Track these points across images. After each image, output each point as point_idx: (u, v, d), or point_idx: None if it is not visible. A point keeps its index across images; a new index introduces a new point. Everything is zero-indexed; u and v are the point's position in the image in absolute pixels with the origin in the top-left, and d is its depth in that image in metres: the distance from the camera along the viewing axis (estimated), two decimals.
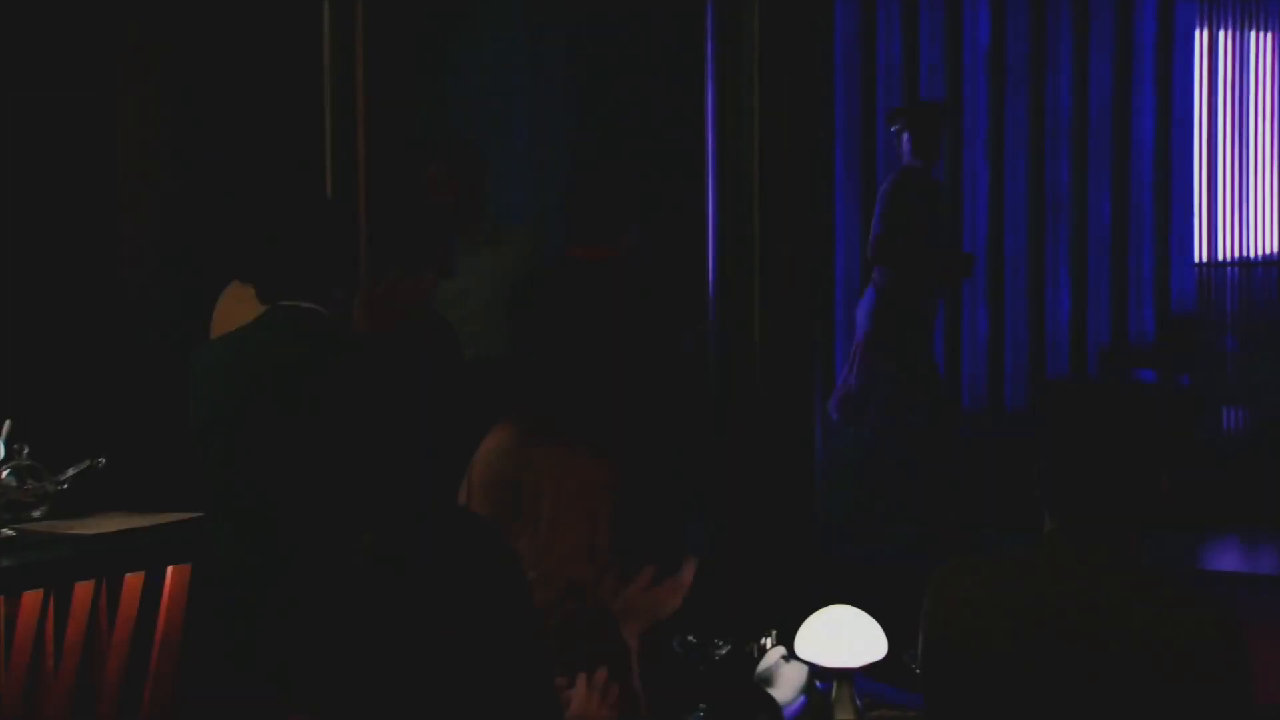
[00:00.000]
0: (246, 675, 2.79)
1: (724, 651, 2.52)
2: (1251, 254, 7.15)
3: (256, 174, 4.46)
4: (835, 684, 2.44)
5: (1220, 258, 7.07)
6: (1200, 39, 7.09)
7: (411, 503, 2.75)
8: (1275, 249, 7.02)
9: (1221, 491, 6.83)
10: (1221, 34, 7.04)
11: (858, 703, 2.42)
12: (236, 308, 3.61)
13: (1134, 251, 8.38)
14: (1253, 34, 7.03)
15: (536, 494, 2.26)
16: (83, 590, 3.05)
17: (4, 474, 3.31)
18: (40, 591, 2.99)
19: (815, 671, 2.46)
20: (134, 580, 3.15)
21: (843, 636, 2.45)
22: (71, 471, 3.39)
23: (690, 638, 2.54)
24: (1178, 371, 8.07)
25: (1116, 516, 2.05)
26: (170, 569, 3.18)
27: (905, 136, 6.24)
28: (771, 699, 2.37)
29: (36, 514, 3.31)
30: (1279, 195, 6.94)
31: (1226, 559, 6.37)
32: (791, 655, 2.46)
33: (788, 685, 2.44)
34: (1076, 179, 8.38)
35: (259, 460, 2.78)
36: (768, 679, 2.42)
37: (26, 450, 3.35)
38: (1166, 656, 1.99)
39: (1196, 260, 7.77)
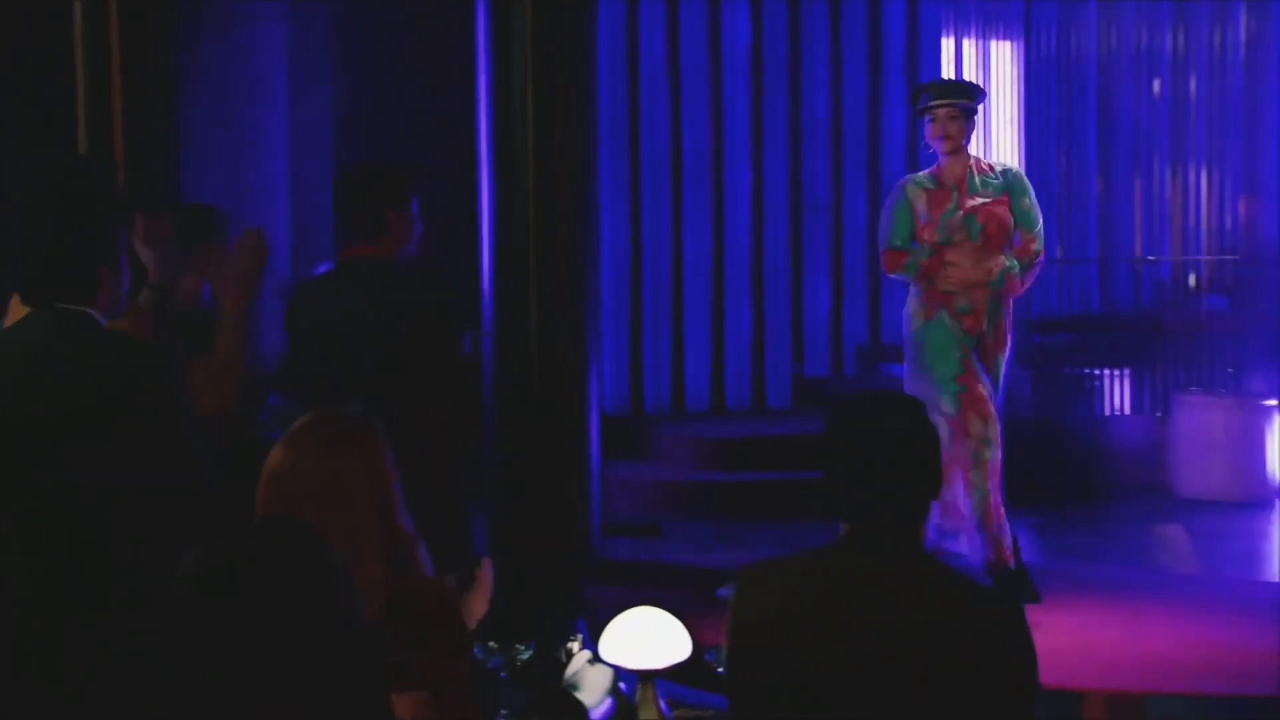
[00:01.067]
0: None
1: (525, 656, 2.50)
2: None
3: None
4: (639, 685, 2.45)
5: None
6: (946, 46, 7.40)
7: (202, 515, 2.67)
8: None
9: None
10: (966, 41, 7.36)
11: (662, 703, 2.43)
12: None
13: None
14: (993, 42, 7.37)
15: (312, 500, 2.20)
16: None
17: None
18: None
19: (620, 674, 2.46)
20: None
21: (646, 638, 2.45)
22: None
23: (491, 643, 2.51)
24: None
25: (900, 517, 2.13)
26: None
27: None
28: (578, 703, 2.35)
29: None
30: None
31: None
32: (597, 658, 2.45)
33: (594, 688, 2.43)
34: (833, 178, 8.65)
35: (19, 475, 2.63)
36: (575, 684, 2.41)
37: None
38: (959, 647, 2.06)
39: None
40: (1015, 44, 7.34)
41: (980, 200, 5.10)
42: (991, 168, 5.21)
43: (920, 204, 5.18)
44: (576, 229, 5.52)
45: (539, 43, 5.41)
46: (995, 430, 5.02)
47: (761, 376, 8.66)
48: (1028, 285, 5.16)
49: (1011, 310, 5.20)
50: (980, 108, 5.21)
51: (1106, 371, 7.78)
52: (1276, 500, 7.00)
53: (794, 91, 8.54)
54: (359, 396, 3.77)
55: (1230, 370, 7.32)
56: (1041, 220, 5.17)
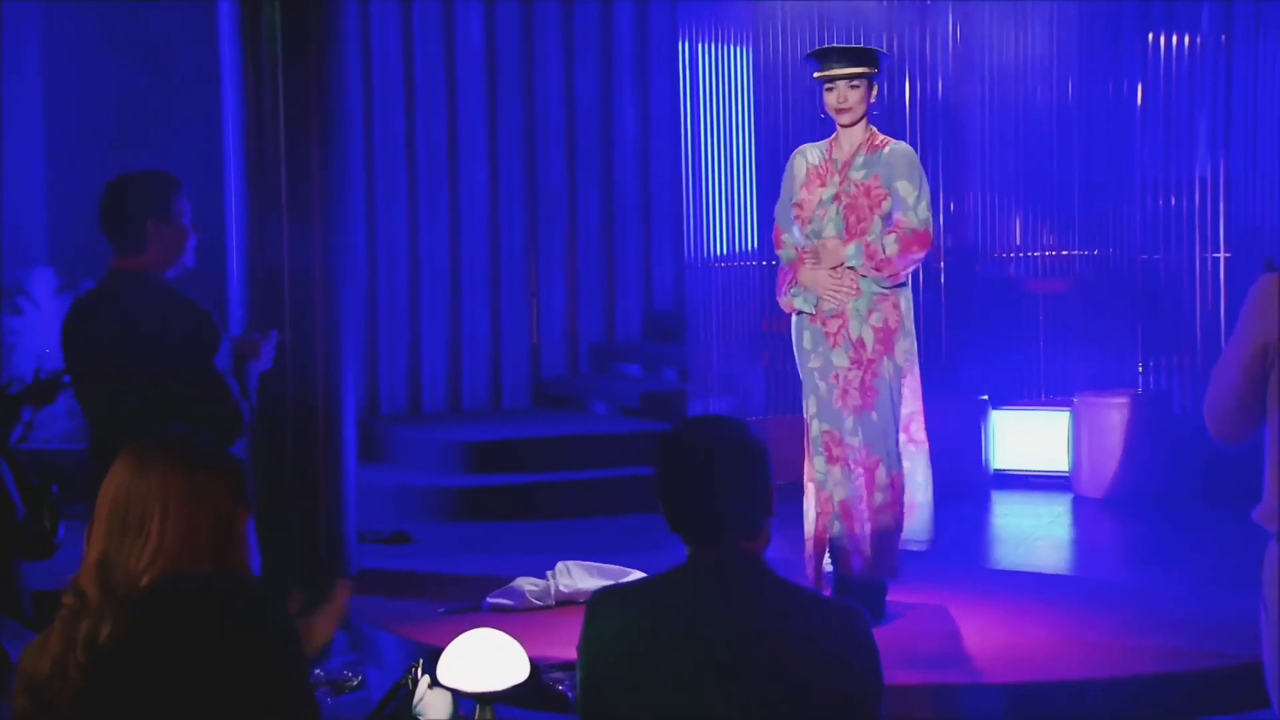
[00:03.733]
0: None
1: (355, 684, 2.45)
2: (733, 252, 7.71)
3: None
4: (478, 708, 2.44)
5: (706, 255, 7.59)
6: (682, 50, 7.56)
7: None
8: (756, 248, 7.62)
9: None
10: (701, 46, 7.54)
11: None
12: None
13: (620, 251, 8.85)
14: (732, 48, 7.58)
15: (149, 507, 2.13)
16: None
17: None
18: None
19: (458, 697, 2.44)
20: None
21: (482, 660, 2.44)
22: None
23: (319, 671, 2.45)
24: (662, 366, 8.61)
25: (736, 535, 2.20)
26: None
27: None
28: None
29: None
30: (759, 197, 7.53)
31: None
32: (435, 683, 2.42)
33: (436, 713, 2.40)
34: (568, 179, 8.73)
35: None
36: (420, 712, 2.38)
37: None
38: (808, 658, 2.14)
39: (683, 259, 8.28)
40: (750, 49, 7.57)
41: (853, 183, 4.60)
42: (884, 144, 4.66)
43: (799, 176, 4.69)
44: (330, 231, 5.39)
45: (288, 39, 5.26)
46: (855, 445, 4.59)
47: (499, 377, 8.67)
48: (903, 270, 4.57)
49: (899, 307, 4.63)
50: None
51: None
52: (990, 490, 7.48)
53: (528, 91, 8.58)
54: (129, 413, 3.65)
55: (940, 365, 7.76)
56: (926, 201, 4.57)
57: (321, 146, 5.33)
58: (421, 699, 2.37)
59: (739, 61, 7.55)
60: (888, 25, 7.77)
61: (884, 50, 5.22)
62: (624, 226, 8.84)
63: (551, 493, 7.32)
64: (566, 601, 4.97)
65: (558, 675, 2.53)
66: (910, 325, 4.69)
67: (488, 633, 2.49)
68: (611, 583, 5.06)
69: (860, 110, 4.61)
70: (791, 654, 2.12)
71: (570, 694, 2.53)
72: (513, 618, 4.78)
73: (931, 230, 4.62)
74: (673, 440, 2.28)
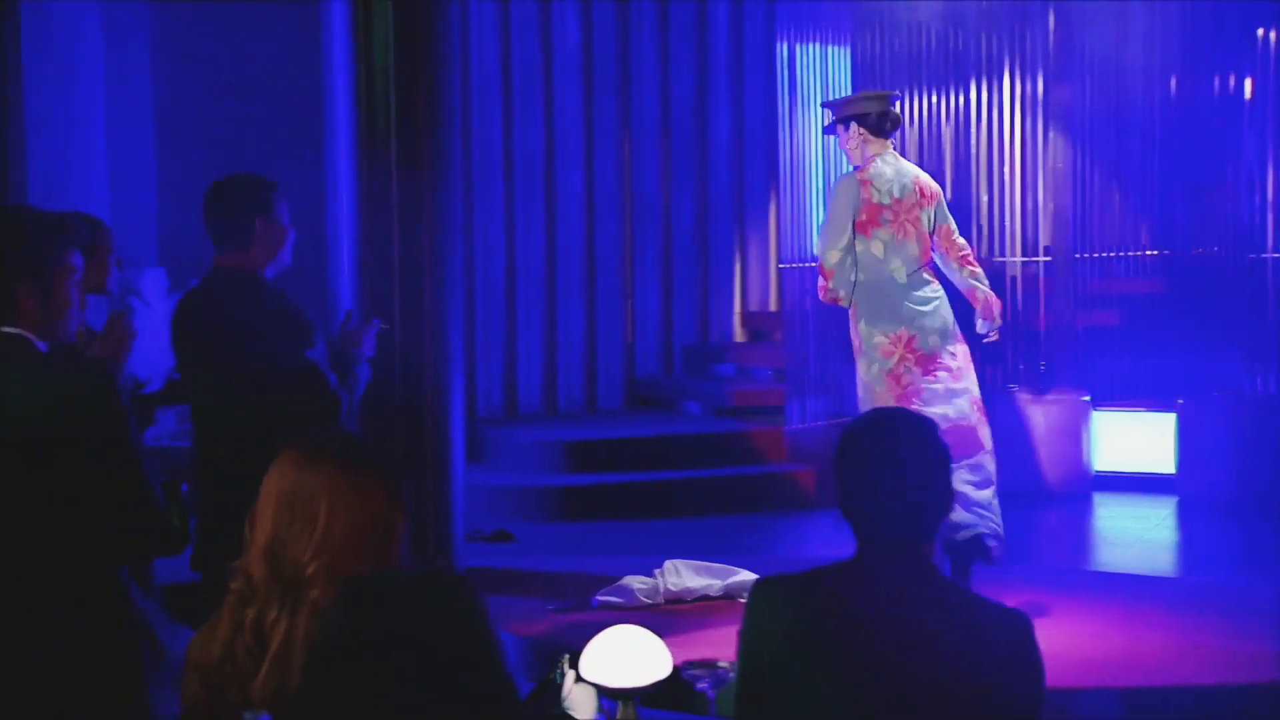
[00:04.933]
0: None
1: None
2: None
3: None
4: (620, 705, 2.47)
5: (802, 255, 7.58)
6: (780, 51, 7.55)
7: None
8: None
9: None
10: (799, 47, 7.53)
11: None
12: None
13: (714, 252, 8.86)
14: (830, 48, 7.57)
15: (316, 501, 2.19)
16: None
17: None
18: None
19: (601, 693, 2.47)
20: None
21: (625, 656, 2.47)
22: None
23: None
24: (756, 367, 8.62)
25: (911, 534, 2.20)
26: None
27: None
28: None
29: None
30: None
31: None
32: (580, 678, 2.46)
33: (582, 709, 2.43)
34: (663, 181, 8.75)
35: None
36: (568, 706, 2.41)
37: None
38: (971, 662, 2.14)
39: (779, 259, 8.28)
40: (844, 48, 7.55)
41: None
42: None
43: None
44: (438, 233, 5.46)
45: (400, 39, 5.33)
46: None
47: (594, 378, 8.71)
48: (821, 291, 5.34)
49: (852, 316, 5.28)
50: (854, 120, 5.30)
51: None
52: (1092, 493, 7.40)
53: (624, 93, 8.61)
54: (232, 407, 3.75)
55: (1043, 367, 7.69)
56: (820, 232, 5.46)
57: (431, 148, 5.39)
58: (569, 694, 2.40)
59: (837, 61, 7.54)
60: (985, 23, 7.72)
61: (838, 99, 5.70)
62: (718, 228, 8.85)
63: (647, 492, 7.36)
64: (675, 600, 5.00)
65: (697, 673, 2.55)
66: (870, 348, 5.22)
67: (630, 629, 2.52)
68: (719, 582, 5.10)
69: (851, 151, 5.32)
70: (954, 656, 2.12)
71: (710, 692, 2.55)
72: (628, 615, 4.81)
73: (821, 261, 5.30)
74: (858, 431, 2.27)
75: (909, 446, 2.22)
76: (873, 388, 5.21)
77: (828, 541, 6.68)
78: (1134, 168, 7.89)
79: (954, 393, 5.17)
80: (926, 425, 2.28)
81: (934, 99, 7.83)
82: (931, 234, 5.27)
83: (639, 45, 8.62)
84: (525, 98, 8.42)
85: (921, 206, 5.25)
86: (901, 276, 5.19)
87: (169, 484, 3.69)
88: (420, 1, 5.37)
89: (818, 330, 7.63)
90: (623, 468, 7.53)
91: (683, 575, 5.07)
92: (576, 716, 2.40)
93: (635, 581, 5.08)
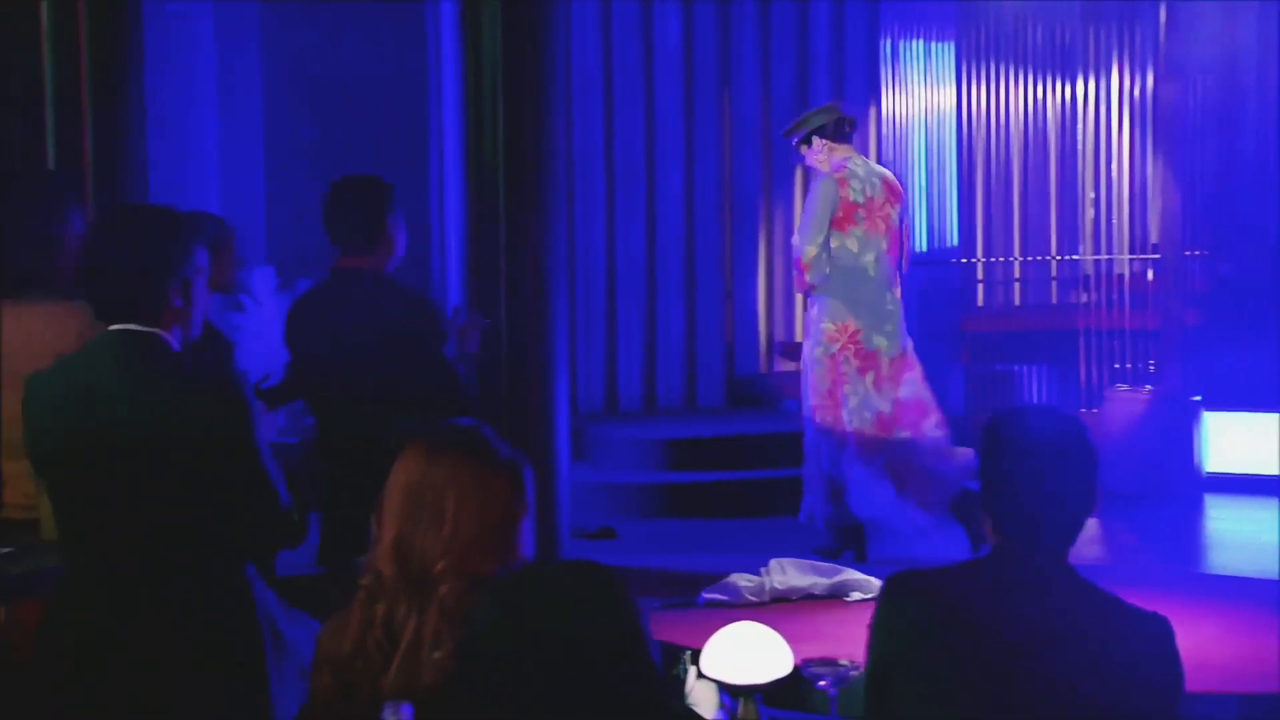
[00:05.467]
0: None
1: None
2: (932, 250, 7.65)
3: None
4: (741, 702, 2.47)
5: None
6: (884, 47, 7.51)
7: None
8: (956, 245, 7.54)
9: None
10: (902, 43, 7.48)
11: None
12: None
13: None
14: (934, 44, 7.51)
15: (443, 497, 2.22)
16: None
17: None
18: None
19: (723, 689, 2.49)
20: None
21: (746, 653, 2.48)
22: None
23: None
24: None
25: (1054, 532, 2.17)
26: None
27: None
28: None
29: None
30: (959, 194, 7.45)
31: None
32: (700, 673, 2.47)
33: (703, 705, 2.45)
34: (763, 178, 8.74)
35: (115, 498, 2.58)
36: (691, 702, 2.43)
37: None
38: (1109, 665, 2.12)
39: None
40: (949, 44, 7.49)
41: None
42: None
43: None
44: (544, 230, 5.51)
45: (508, 37, 5.38)
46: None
47: (693, 375, 8.72)
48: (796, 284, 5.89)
49: (814, 299, 5.83)
50: (814, 134, 5.77)
51: (1028, 368, 8.00)
52: (1203, 494, 7.27)
53: (724, 91, 8.61)
54: (363, 409, 3.79)
55: (1151, 366, 7.56)
56: (799, 230, 5.77)
57: (537, 146, 5.44)
58: (691, 691, 2.42)
59: (940, 57, 7.48)
60: (1093, 18, 7.61)
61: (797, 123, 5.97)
62: None
63: (747, 491, 7.35)
64: (780, 599, 4.99)
65: (818, 671, 2.55)
66: (818, 330, 5.76)
67: (751, 625, 2.53)
68: (825, 581, 5.08)
69: (820, 164, 5.74)
70: (1091, 659, 2.10)
71: (832, 690, 2.55)
72: (734, 613, 4.82)
73: (799, 255, 5.71)
74: (1005, 426, 2.23)
75: (1057, 442, 2.18)
76: (812, 368, 5.77)
77: (929, 541, 6.65)
78: (1245, 166, 7.73)
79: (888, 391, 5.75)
80: (1075, 423, 2.25)
81: (1040, 93, 7.73)
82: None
83: (739, 44, 8.62)
84: (626, 97, 8.45)
85: (891, 204, 5.71)
86: (873, 270, 5.67)
87: (288, 478, 3.78)
88: (529, 5, 5.42)
89: (921, 328, 7.56)
90: (723, 465, 7.52)
91: (788, 574, 5.06)
92: (699, 713, 2.41)
93: (741, 579, 5.08)
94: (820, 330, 5.76)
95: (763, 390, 8.70)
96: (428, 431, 2.31)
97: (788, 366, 8.70)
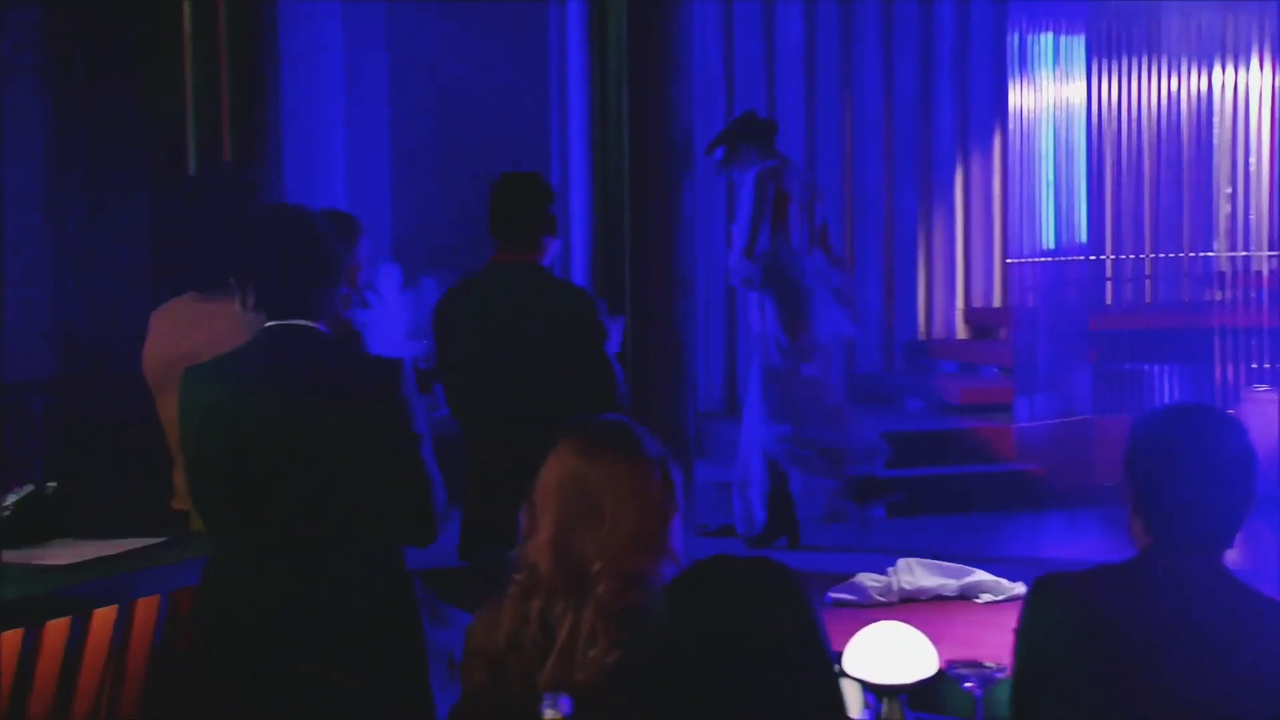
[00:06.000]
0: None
1: None
2: (1060, 246, 7.51)
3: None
4: (885, 702, 2.45)
5: (1032, 249, 7.41)
6: (1012, 42, 7.39)
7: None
8: (1085, 241, 7.41)
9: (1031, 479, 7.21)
10: (1030, 37, 7.35)
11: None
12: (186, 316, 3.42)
13: (937, 246, 8.73)
14: (1064, 38, 7.37)
15: (600, 495, 2.22)
16: (56, 626, 2.77)
17: None
18: (20, 630, 2.68)
19: (866, 689, 2.46)
20: (105, 614, 2.87)
21: (890, 653, 2.45)
22: (12, 498, 3.09)
23: None
24: (980, 364, 8.45)
25: (1209, 534, 2.11)
26: (140, 601, 2.93)
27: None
28: None
29: None
30: (1088, 189, 7.31)
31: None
32: (843, 673, 2.45)
33: (850, 704, 2.42)
34: (885, 175, 8.66)
35: (291, 488, 2.64)
36: None
37: None
38: (1267, 672, 2.06)
39: (1001, 255, 8.11)
40: (1079, 37, 7.34)
41: None
42: None
43: None
44: (672, 230, 5.52)
45: (634, 38, 5.40)
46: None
47: None
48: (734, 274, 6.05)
49: (758, 299, 5.97)
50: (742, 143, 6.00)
51: (1160, 368, 7.81)
52: None
53: (845, 88, 8.55)
54: (516, 402, 3.79)
55: None
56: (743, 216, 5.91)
57: (663, 145, 5.46)
58: None
59: (1070, 49, 7.34)
60: (1229, 8, 7.42)
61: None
62: (941, 222, 8.72)
63: (867, 490, 7.27)
64: (909, 599, 4.93)
65: (963, 672, 2.51)
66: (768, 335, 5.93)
67: (896, 625, 2.50)
68: (954, 582, 5.02)
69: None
70: (1247, 665, 2.04)
71: (978, 691, 2.51)
72: (862, 613, 4.78)
73: (743, 250, 5.86)
74: (1161, 425, 2.18)
75: (1215, 443, 2.12)
76: (768, 372, 5.92)
77: (1059, 542, 6.53)
78: None
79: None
80: (1234, 423, 2.19)
81: (1174, 85, 7.55)
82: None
83: (862, 41, 8.55)
84: (746, 95, 8.42)
85: (816, 200, 6.02)
86: (800, 263, 5.92)
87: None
88: (655, 4, 5.44)
89: (1049, 326, 7.44)
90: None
91: (916, 574, 5.01)
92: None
93: (868, 579, 5.03)
94: (771, 336, 5.96)
95: (884, 388, 8.61)
96: (581, 427, 2.31)
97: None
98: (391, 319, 7.64)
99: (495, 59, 8.10)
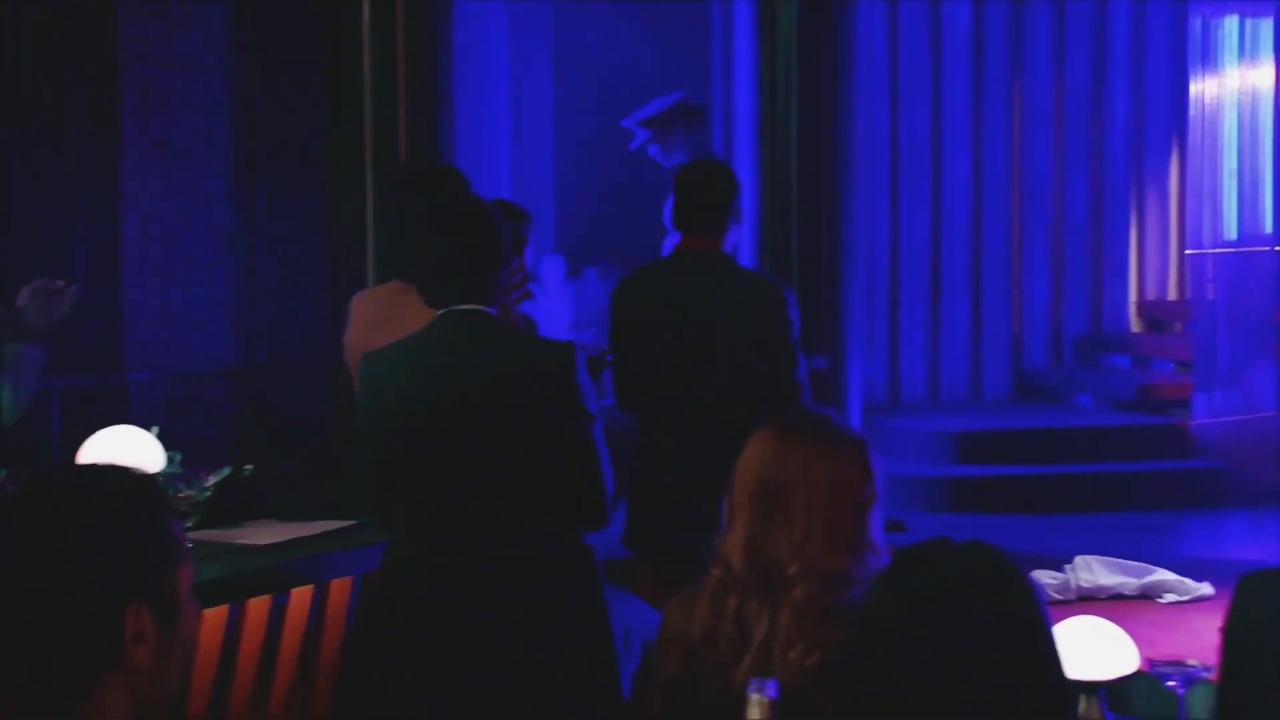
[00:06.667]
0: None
1: None
2: (1243, 236, 7.26)
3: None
4: (1083, 698, 2.38)
5: (1212, 240, 7.18)
6: (1194, 26, 7.16)
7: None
8: (1270, 231, 7.15)
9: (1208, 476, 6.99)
10: (1214, 22, 7.11)
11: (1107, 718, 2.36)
12: (388, 308, 3.47)
13: (1109, 238, 8.51)
14: (1251, 21, 7.12)
15: (794, 492, 2.18)
16: (258, 605, 2.86)
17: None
18: (225, 607, 2.78)
19: None
20: (301, 594, 2.96)
21: (1089, 648, 2.38)
22: (213, 479, 3.20)
23: None
24: (1155, 359, 8.21)
25: None
26: (334, 582, 3.01)
27: None
28: None
29: (189, 523, 3.11)
30: (1275, 176, 7.05)
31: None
32: None
33: None
34: (1054, 166, 8.46)
35: (468, 470, 2.68)
36: None
37: (179, 458, 3.16)
38: None
39: (1177, 247, 7.87)
40: (1269, 20, 7.07)
41: None
42: None
43: None
44: (841, 223, 5.47)
45: (805, 31, 5.36)
46: None
47: (979, 368, 8.51)
48: None
49: None
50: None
51: None
52: None
53: (1014, 77, 8.37)
54: (700, 391, 3.76)
55: None
56: None
57: (834, 136, 5.42)
58: None
59: (1255, 33, 7.08)
60: None
61: None
62: (1112, 213, 8.49)
63: (1038, 486, 7.12)
64: (1087, 597, 4.79)
65: (1165, 670, 2.43)
66: None
67: (1094, 620, 2.43)
68: (1135, 580, 4.86)
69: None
70: None
71: (1180, 690, 2.43)
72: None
73: None
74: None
75: None
76: None
77: (1242, 543, 6.31)
78: None
79: None
80: None
81: None
82: None
83: (1032, 29, 8.36)
84: (912, 85, 8.30)
85: None
86: None
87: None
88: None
89: (1228, 320, 7.20)
90: (1012, 460, 7.31)
91: (1095, 572, 4.84)
92: None
93: (1044, 576, 4.88)
94: None
95: (1053, 383, 8.43)
96: (778, 420, 2.28)
97: None
98: (556, 310, 7.72)
99: (656, 52, 8.13)
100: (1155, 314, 8.45)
